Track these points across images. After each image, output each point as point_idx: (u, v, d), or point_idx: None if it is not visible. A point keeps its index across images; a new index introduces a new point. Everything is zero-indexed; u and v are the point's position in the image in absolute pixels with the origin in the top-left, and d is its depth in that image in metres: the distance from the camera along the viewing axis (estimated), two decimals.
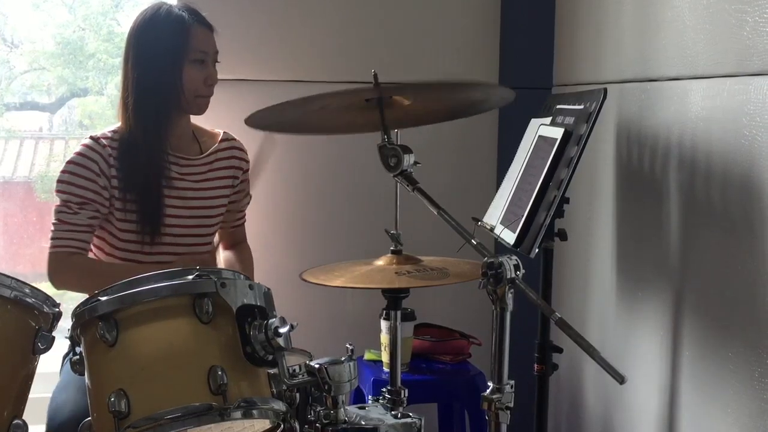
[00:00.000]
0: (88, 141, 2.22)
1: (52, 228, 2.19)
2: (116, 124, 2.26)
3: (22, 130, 3.38)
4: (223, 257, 2.48)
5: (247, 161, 2.43)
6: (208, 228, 2.33)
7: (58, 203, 2.19)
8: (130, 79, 2.19)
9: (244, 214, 2.50)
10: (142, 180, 2.20)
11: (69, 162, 2.20)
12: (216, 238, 2.42)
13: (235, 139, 2.42)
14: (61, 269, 2.18)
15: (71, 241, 2.18)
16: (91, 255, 2.28)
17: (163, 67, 2.18)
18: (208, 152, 2.34)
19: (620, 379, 1.39)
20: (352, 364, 1.61)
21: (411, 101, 1.88)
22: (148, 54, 2.19)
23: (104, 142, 2.21)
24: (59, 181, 2.19)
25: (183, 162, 2.29)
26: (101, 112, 3.31)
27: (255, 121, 1.83)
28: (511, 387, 1.56)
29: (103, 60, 3.26)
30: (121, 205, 2.20)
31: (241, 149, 2.42)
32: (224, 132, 2.41)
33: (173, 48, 2.18)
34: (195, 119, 2.35)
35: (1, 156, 3.31)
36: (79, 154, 2.20)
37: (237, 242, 2.51)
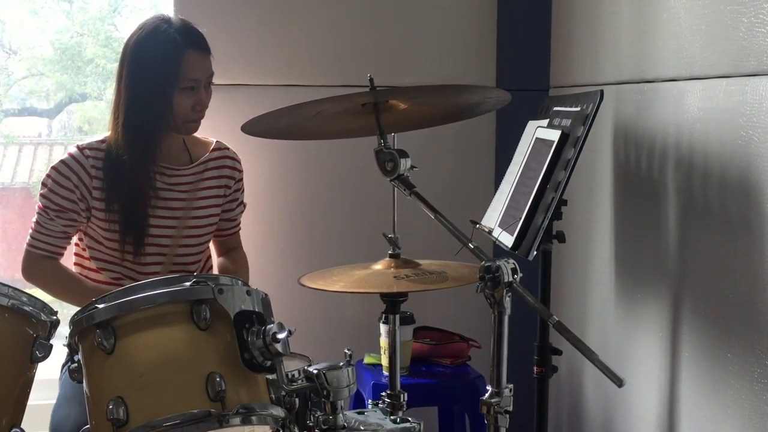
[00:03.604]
0: (73, 150, 2.24)
1: (32, 227, 2.25)
2: (107, 133, 2.26)
3: (21, 136, 3.37)
4: (217, 263, 2.47)
5: (240, 170, 2.42)
6: (197, 239, 2.32)
7: (39, 204, 2.23)
8: (122, 97, 2.19)
9: (238, 222, 2.49)
10: (126, 191, 2.20)
11: (52, 168, 2.23)
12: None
13: (227, 149, 2.41)
14: (33, 269, 2.27)
15: (46, 245, 2.24)
16: (83, 260, 2.30)
17: (153, 93, 2.16)
18: (198, 162, 2.33)
19: (619, 383, 1.39)
20: (350, 369, 1.61)
21: (407, 105, 1.88)
22: (139, 76, 2.17)
23: (88, 152, 2.22)
24: (42, 183, 2.23)
25: (170, 172, 2.28)
26: (100, 117, 3.31)
27: (250, 127, 1.83)
28: (510, 391, 1.55)
29: (101, 65, 3.26)
30: (104, 215, 2.21)
31: (234, 158, 2.41)
32: (217, 141, 2.40)
33: (163, 75, 2.15)
34: None
35: (0, 162, 3.31)
36: (62, 162, 2.22)
37: (231, 248, 2.50)
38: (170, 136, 2.26)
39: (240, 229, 2.51)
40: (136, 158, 2.19)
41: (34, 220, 2.24)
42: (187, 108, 2.19)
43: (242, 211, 2.48)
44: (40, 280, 2.27)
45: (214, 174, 2.35)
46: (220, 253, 2.50)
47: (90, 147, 2.23)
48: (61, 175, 2.20)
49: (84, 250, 2.29)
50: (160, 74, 2.16)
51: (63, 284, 2.27)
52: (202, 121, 2.29)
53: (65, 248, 2.28)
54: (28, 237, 2.26)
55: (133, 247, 2.21)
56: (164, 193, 2.25)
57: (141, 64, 2.17)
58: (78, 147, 2.24)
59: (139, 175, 2.20)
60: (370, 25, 2.87)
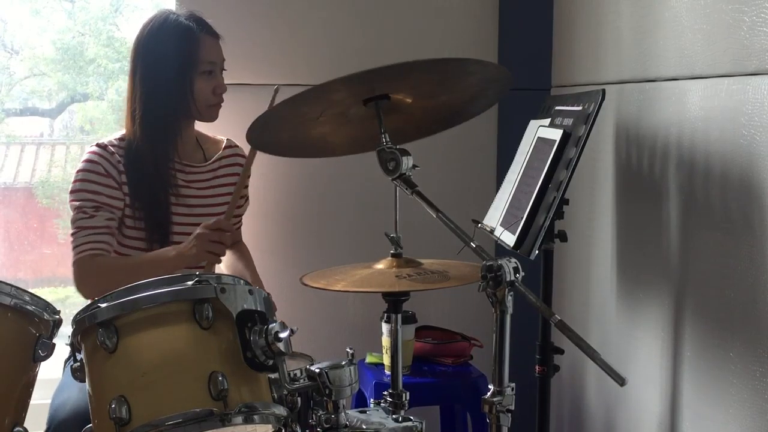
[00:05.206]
0: (95, 148, 2.22)
1: (72, 237, 2.16)
2: (120, 132, 2.26)
3: (23, 136, 3.37)
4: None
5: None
6: None
7: (73, 213, 2.18)
8: (138, 92, 2.19)
9: (241, 218, 2.51)
10: (149, 190, 2.19)
11: (79, 170, 2.20)
12: None
13: (238, 146, 2.43)
14: (88, 274, 2.14)
15: (92, 244, 2.15)
16: None
17: (174, 81, 2.18)
18: (212, 159, 2.35)
19: (620, 381, 1.39)
20: (352, 368, 1.61)
21: (410, 98, 1.87)
22: (157, 67, 2.18)
23: (112, 149, 2.21)
24: (72, 191, 2.18)
25: (188, 169, 2.29)
26: (102, 117, 3.31)
27: (255, 135, 1.80)
28: (512, 389, 1.55)
29: (103, 65, 3.26)
30: (129, 212, 2.20)
31: (244, 156, 2.42)
32: (228, 139, 2.41)
33: (183, 61, 2.18)
34: (198, 125, 2.35)
35: (2, 162, 3.31)
36: (88, 161, 2.20)
37: (234, 242, 2.50)
38: (186, 131, 2.27)
39: (241, 224, 2.52)
40: (156, 153, 2.19)
41: (71, 231, 2.16)
42: (208, 92, 2.22)
43: (246, 207, 2.49)
44: (101, 279, 2.11)
45: (227, 171, 2.37)
46: None
47: (111, 144, 2.23)
48: (91, 173, 2.18)
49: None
50: (179, 61, 2.18)
51: (124, 266, 2.17)
52: (210, 123, 2.31)
53: (111, 245, 2.18)
54: (72, 250, 2.15)
55: (159, 244, 2.21)
56: (183, 190, 2.26)
57: (158, 54, 2.19)
58: (98, 145, 2.22)
59: (161, 170, 2.20)
60: (372, 25, 2.87)
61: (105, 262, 2.16)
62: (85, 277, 2.15)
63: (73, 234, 2.17)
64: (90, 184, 2.17)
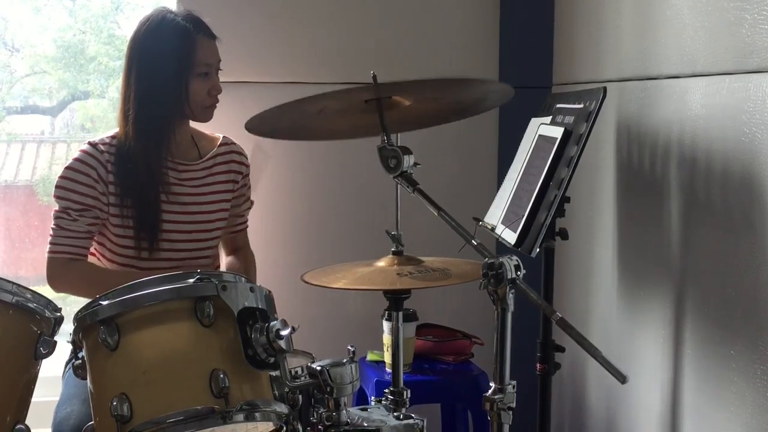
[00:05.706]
0: (86, 147, 2.22)
1: (51, 233, 2.19)
2: (115, 129, 2.26)
3: (24, 134, 3.37)
4: (225, 263, 2.47)
5: (247, 165, 2.42)
6: (207, 233, 2.32)
7: (57, 208, 2.19)
8: (132, 91, 2.17)
9: (246, 220, 2.49)
10: (139, 188, 2.19)
11: (67, 168, 2.19)
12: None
13: (234, 144, 2.41)
14: (60, 275, 2.19)
15: (70, 248, 2.18)
16: (92, 259, 2.28)
17: (169, 82, 2.16)
18: (206, 157, 2.33)
19: (622, 379, 1.39)
20: (353, 365, 1.62)
21: (410, 101, 1.88)
22: (152, 67, 2.17)
23: (102, 148, 2.21)
24: (58, 186, 2.18)
25: (181, 167, 2.28)
26: (103, 115, 3.31)
27: (255, 126, 1.83)
28: (513, 387, 1.56)
29: (104, 63, 3.26)
30: (117, 211, 2.19)
31: (241, 153, 2.41)
32: (224, 136, 2.40)
33: (179, 63, 2.16)
34: (195, 123, 2.34)
35: (3, 160, 3.31)
36: (77, 160, 2.20)
37: (238, 248, 2.50)
38: (180, 130, 2.26)
39: (247, 227, 2.51)
40: (148, 152, 2.18)
41: (52, 226, 2.18)
42: (203, 94, 2.21)
43: (249, 208, 2.48)
44: (72, 283, 2.21)
45: (222, 169, 2.36)
46: (228, 253, 2.49)
47: (103, 142, 2.22)
48: (79, 173, 2.18)
49: (97, 252, 2.27)
50: (174, 62, 2.17)
51: (98, 279, 2.20)
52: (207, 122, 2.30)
53: (89, 249, 2.23)
54: (48, 245, 2.19)
55: (148, 243, 2.20)
56: (175, 188, 2.25)
57: (153, 54, 2.18)
58: (90, 143, 2.22)
59: (152, 168, 2.19)
60: (373, 23, 2.87)
61: (80, 269, 2.20)
62: (58, 276, 2.20)
63: (53, 229, 2.19)
64: (77, 185, 2.17)
